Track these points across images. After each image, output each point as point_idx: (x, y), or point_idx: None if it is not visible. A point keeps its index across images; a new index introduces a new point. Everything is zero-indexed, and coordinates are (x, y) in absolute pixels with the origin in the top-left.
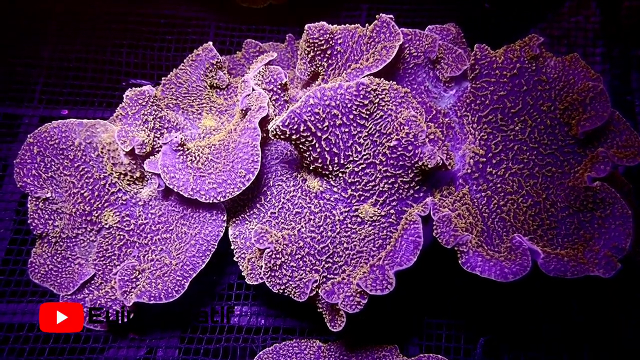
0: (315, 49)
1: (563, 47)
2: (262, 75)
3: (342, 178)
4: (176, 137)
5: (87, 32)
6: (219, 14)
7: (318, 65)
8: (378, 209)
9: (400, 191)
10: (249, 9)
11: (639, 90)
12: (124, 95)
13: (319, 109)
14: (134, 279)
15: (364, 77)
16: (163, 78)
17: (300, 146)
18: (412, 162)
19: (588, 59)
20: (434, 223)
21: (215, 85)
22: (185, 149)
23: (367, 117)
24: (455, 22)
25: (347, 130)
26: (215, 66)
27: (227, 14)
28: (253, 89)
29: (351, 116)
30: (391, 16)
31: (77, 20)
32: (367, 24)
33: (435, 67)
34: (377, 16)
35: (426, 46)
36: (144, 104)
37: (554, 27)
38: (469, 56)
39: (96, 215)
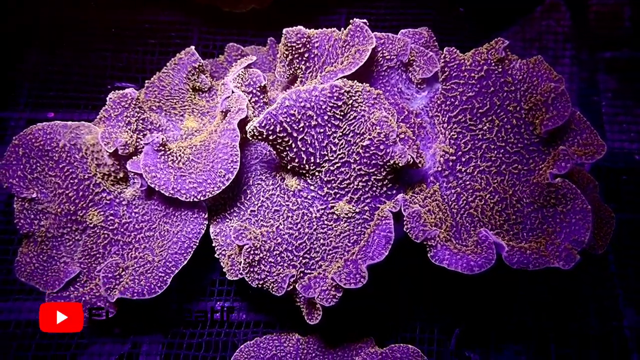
0: (294, 53)
1: (534, 50)
2: (242, 78)
3: (318, 177)
4: (157, 137)
5: (72, 37)
6: (202, 18)
7: (296, 68)
8: (353, 206)
9: (374, 189)
10: (232, 13)
11: (605, 91)
12: (107, 98)
13: (295, 111)
14: (118, 276)
15: (337, 79)
16: (146, 81)
17: (277, 146)
18: (384, 160)
19: (558, 61)
20: (404, 219)
21: (197, 88)
22: (167, 149)
23: (341, 117)
24: (430, 25)
25: (322, 130)
26: (197, 69)
27: (211, 19)
28: (232, 91)
29: (326, 117)
30: (365, 21)
31: (62, 25)
32: (342, 28)
33: (407, 69)
34: (351, 21)
35: (398, 49)
36: (126, 106)
37: (526, 30)
38: (440, 59)
39: (81, 214)
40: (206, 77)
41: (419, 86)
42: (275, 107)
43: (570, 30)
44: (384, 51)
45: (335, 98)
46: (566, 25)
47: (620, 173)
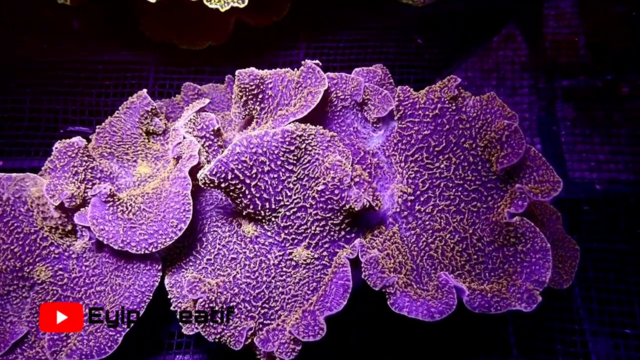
0: (247, 94)
1: (493, 80)
2: (194, 123)
3: (275, 222)
4: (105, 188)
5: (22, 79)
6: (158, 57)
7: (251, 108)
8: (311, 251)
9: (332, 233)
10: (189, 50)
11: (563, 119)
12: (54, 148)
13: (246, 157)
14: (65, 337)
15: (289, 123)
16: (98, 126)
17: (231, 193)
18: (340, 205)
19: (516, 91)
20: (362, 265)
21: (151, 131)
22: (116, 200)
23: (294, 162)
24: (390, 57)
25: (275, 175)
26: (150, 113)
27: (167, 57)
28: (184, 137)
29: (279, 162)
30: (317, 62)
31: (11, 67)
32: (295, 69)
33: (362, 108)
34: (303, 62)
35: (352, 89)
36: (73, 155)
37: (484, 61)
38: (395, 97)
39: (28, 270)
40: (160, 119)
41: (375, 125)
42: (226, 154)
43: (528, 59)
44: (338, 91)
45: (287, 143)
46: (523, 54)
47: (582, 203)
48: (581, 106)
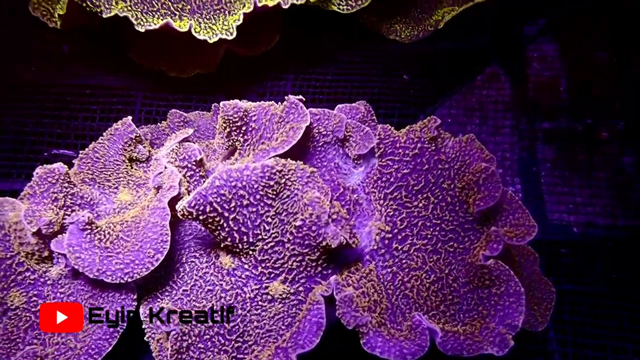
0: (231, 126)
1: (476, 119)
2: (176, 153)
3: (252, 255)
4: (83, 216)
5: (8, 102)
6: (146, 83)
7: (235, 140)
8: (287, 286)
9: (309, 269)
10: (177, 78)
11: (544, 161)
12: (34, 173)
13: (225, 191)
14: None
15: (270, 158)
16: (81, 152)
17: (209, 226)
18: (317, 241)
19: (499, 130)
20: (336, 303)
21: (134, 158)
22: (94, 227)
23: (273, 197)
24: (375, 92)
25: (254, 210)
26: (134, 140)
27: (155, 83)
28: (165, 167)
29: (258, 196)
30: (300, 97)
31: None
32: (280, 102)
33: (344, 144)
34: (286, 97)
35: (334, 125)
36: (53, 182)
37: (467, 99)
38: (376, 134)
39: (1, 296)
40: (144, 147)
41: (355, 161)
42: (205, 187)
43: (510, 99)
44: (320, 127)
45: (267, 177)
46: (506, 94)
47: (560, 245)
48: (562, 148)
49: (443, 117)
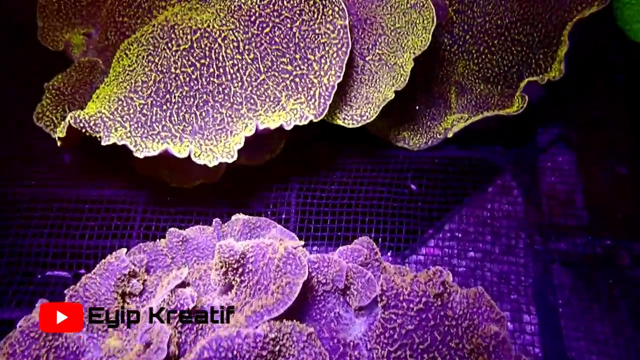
0: (227, 266)
1: (488, 235)
2: (168, 303)
3: None
4: None
5: (7, 220)
6: (147, 194)
7: (231, 279)
8: None
9: None
10: (179, 188)
11: (560, 287)
12: (17, 326)
13: None
14: None
15: (264, 321)
16: (70, 288)
17: None
18: None
19: (511, 250)
20: None
21: (127, 292)
22: None
23: None
24: (382, 204)
25: None
26: (127, 276)
27: (156, 195)
28: (155, 322)
29: None
30: (299, 246)
31: None
32: (279, 244)
33: (345, 293)
34: (282, 244)
35: (334, 274)
36: (36, 337)
37: (478, 213)
38: (378, 284)
39: None
40: (138, 280)
41: (357, 311)
42: (192, 358)
43: (524, 215)
44: (319, 276)
45: (260, 347)
46: (519, 210)
47: None
48: (580, 274)
49: (452, 233)
